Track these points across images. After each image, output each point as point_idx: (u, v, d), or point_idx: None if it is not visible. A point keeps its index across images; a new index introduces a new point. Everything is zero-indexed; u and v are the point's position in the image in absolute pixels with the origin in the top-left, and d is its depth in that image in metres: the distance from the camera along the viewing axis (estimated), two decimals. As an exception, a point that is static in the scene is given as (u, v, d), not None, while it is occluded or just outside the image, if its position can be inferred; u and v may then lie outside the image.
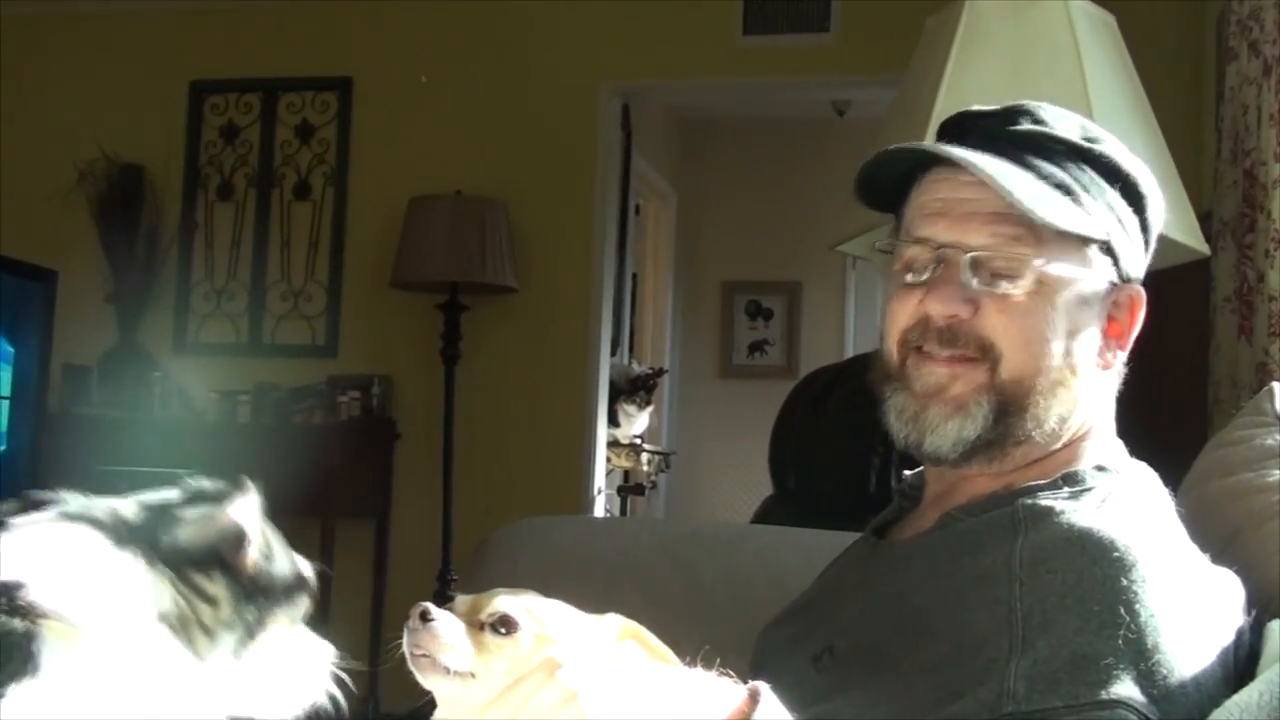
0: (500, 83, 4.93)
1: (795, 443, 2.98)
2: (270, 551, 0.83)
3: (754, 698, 0.86)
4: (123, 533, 0.76)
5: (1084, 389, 1.17)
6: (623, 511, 6.13)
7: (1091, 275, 1.16)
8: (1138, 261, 1.20)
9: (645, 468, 6.27)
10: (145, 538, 0.76)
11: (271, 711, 0.81)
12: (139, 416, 4.76)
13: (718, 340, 7.46)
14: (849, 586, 1.29)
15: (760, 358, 7.39)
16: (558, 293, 4.88)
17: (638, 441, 6.04)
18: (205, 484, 0.83)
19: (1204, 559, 1.11)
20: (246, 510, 0.81)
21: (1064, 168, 1.17)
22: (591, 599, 1.00)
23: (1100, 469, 1.16)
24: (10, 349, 2.75)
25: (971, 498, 1.18)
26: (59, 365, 4.41)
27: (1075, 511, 1.07)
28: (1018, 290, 1.13)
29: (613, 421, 5.55)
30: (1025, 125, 1.21)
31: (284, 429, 4.77)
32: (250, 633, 0.79)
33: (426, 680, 0.90)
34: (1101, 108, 2.24)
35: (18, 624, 0.66)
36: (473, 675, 0.89)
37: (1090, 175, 1.18)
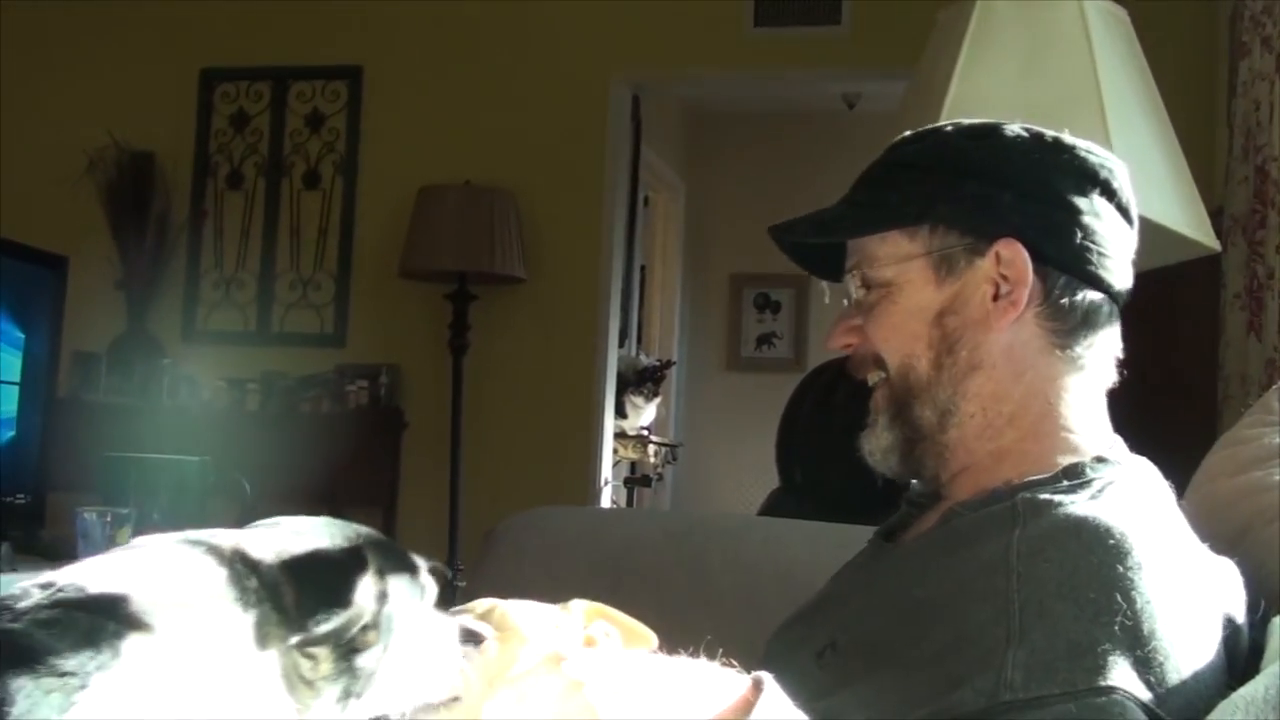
0: (510, 73, 4.94)
1: (802, 436, 2.98)
2: (388, 607, 0.83)
3: (758, 687, 0.87)
4: (245, 580, 0.76)
5: (986, 354, 1.19)
6: (629, 503, 6.13)
7: (925, 256, 1.20)
8: (1008, 213, 1.19)
9: (652, 459, 6.27)
10: (269, 589, 0.76)
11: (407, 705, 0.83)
12: (148, 404, 4.77)
13: (725, 333, 7.46)
14: (853, 587, 1.31)
15: (768, 350, 7.39)
16: (566, 284, 4.88)
17: (645, 433, 6.05)
18: (335, 541, 0.83)
19: (1203, 549, 1.11)
20: (370, 590, 0.81)
21: (875, 182, 1.27)
22: (598, 589, 1.00)
23: (1101, 460, 1.17)
24: (20, 334, 2.75)
25: (973, 494, 1.19)
26: (69, 352, 4.42)
27: (1072, 502, 1.08)
28: (868, 302, 1.23)
29: (620, 413, 5.56)
30: (874, 161, 1.30)
31: (291, 418, 4.79)
32: (356, 684, 0.79)
33: None
34: (1113, 103, 2.23)
35: (110, 625, 0.68)
36: (456, 699, 0.90)
37: (908, 174, 1.24)
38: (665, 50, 4.93)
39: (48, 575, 0.72)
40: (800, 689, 0.91)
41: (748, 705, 0.85)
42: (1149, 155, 2.25)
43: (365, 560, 0.81)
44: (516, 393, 4.87)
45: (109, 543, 2.56)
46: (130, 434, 4.12)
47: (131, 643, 0.68)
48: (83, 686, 0.65)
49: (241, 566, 0.76)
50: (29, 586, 0.70)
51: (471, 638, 0.91)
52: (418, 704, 0.84)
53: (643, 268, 6.44)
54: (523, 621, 0.93)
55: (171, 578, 0.73)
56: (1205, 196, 2.41)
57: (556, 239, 4.88)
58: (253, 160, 5.19)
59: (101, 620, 0.68)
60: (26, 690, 0.63)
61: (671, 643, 0.93)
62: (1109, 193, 1.21)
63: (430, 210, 4.65)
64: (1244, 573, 1.13)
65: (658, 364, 6.10)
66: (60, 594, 0.70)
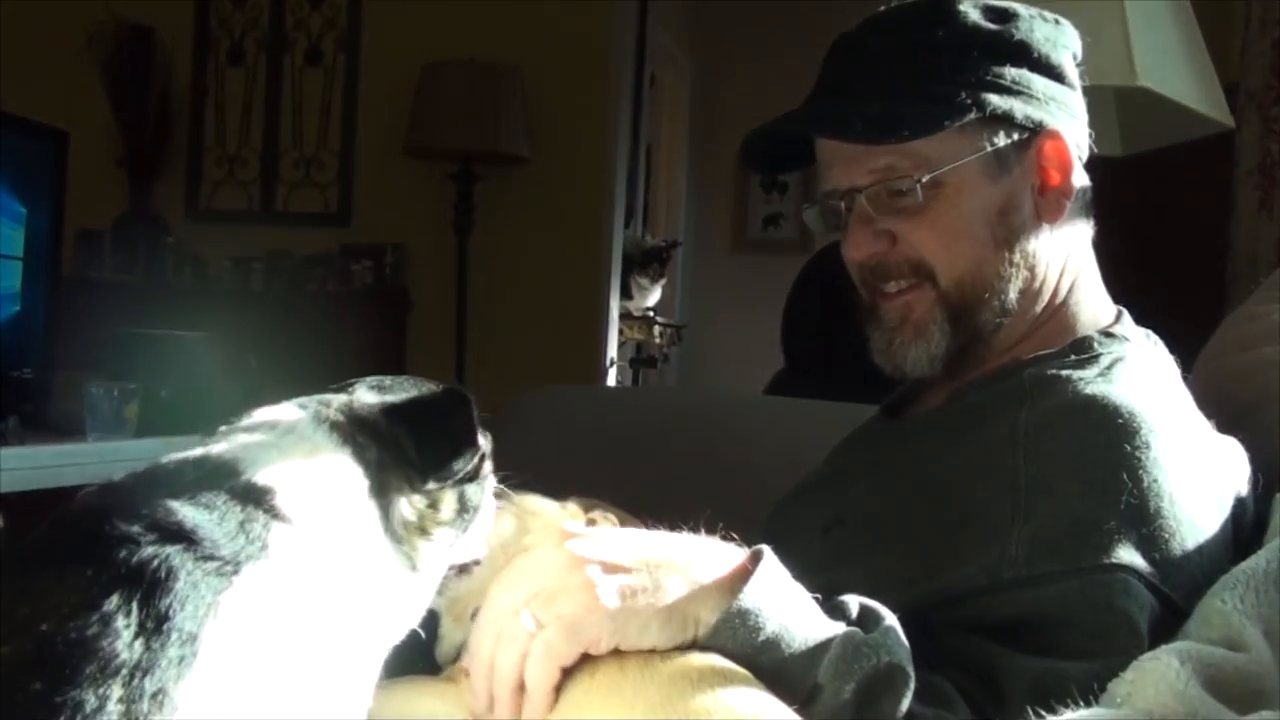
0: (514, -54, 4.83)
1: (809, 318, 2.98)
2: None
3: (755, 558, 0.88)
4: (364, 443, 0.82)
5: (1039, 249, 1.18)
6: (634, 384, 6.15)
7: (982, 152, 1.16)
8: (1046, 102, 1.18)
9: (657, 340, 6.28)
10: (390, 451, 0.83)
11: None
12: (153, 282, 4.76)
13: (732, 213, 7.41)
14: (860, 463, 1.31)
15: (774, 232, 7.35)
16: (572, 163, 4.84)
17: (650, 314, 6.04)
18: (422, 390, 0.90)
19: (1209, 426, 1.11)
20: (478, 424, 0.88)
21: (905, 71, 1.18)
22: (604, 466, 1.01)
23: (1109, 335, 1.17)
24: (22, 209, 2.74)
25: (981, 372, 1.19)
26: (73, 230, 4.40)
27: (1081, 379, 1.08)
28: (917, 206, 1.15)
29: (625, 294, 5.55)
30: (878, 43, 1.22)
31: (297, 297, 4.78)
32: (466, 520, 0.87)
33: (451, 587, 0.93)
34: (1130, -25, 2.19)
35: (261, 518, 0.74)
36: (478, 562, 0.93)
37: (944, 60, 1.17)
38: (672, -78, 4.82)
39: (198, 451, 0.78)
40: (804, 563, 0.92)
41: (745, 574, 0.86)
42: (1165, 29, 2.20)
43: (469, 399, 0.88)
44: (522, 273, 4.85)
45: (116, 417, 2.58)
46: (137, 312, 4.12)
47: (278, 535, 0.74)
48: (235, 573, 0.70)
49: (363, 438, 0.82)
50: (183, 461, 0.77)
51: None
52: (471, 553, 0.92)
53: (649, 147, 6.38)
54: (534, 500, 0.95)
55: (306, 463, 0.79)
56: (1220, 71, 2.37)
57: (562, 118, 4.81)
58: (253, 36, 5.11)
59: (254, 512, 0.74)
60: (188, 569, 0.68)
61: (676, 518, 0.94)
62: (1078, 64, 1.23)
63: (434, 88, 4.59)
64: (1248, 449, 1.13)
65: (663, 245, 6.08)
66: (214, 476, 0.75)
